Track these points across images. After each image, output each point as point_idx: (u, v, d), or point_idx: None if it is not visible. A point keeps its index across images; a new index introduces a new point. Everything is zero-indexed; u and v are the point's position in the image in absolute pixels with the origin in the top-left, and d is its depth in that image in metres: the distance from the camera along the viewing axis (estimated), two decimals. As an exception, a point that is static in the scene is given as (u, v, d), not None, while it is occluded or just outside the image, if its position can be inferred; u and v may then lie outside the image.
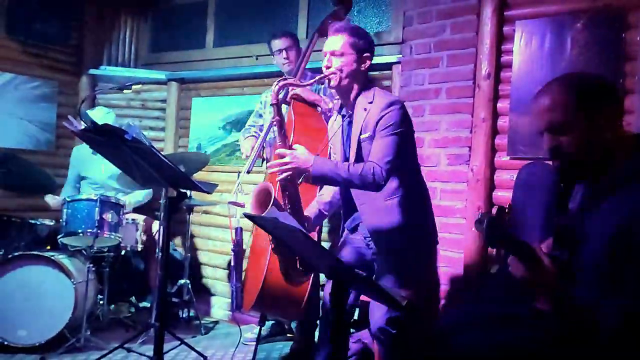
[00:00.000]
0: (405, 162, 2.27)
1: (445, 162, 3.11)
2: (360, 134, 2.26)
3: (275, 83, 2.28)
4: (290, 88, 2.95)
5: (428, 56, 3.20)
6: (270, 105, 2.39)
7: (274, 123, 2.31)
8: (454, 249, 3.05)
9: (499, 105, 2.99)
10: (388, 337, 2.28)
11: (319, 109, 3.11)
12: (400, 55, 3.35)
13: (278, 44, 3.40)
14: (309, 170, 2.14)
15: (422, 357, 1.69)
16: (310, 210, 2.50)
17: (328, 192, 2.53)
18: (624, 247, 1.38)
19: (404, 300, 1.41)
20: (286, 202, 2.31)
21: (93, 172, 3.89)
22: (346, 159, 2.36)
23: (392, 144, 2.17)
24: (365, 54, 2.28)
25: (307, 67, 3.22)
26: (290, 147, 2.24)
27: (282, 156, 2.17)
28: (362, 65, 2.29)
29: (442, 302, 3.08)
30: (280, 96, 2.37)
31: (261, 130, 3.41)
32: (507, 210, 1.36)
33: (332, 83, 2.28)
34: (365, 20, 3.78)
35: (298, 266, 2.28)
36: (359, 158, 2.27)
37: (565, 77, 1.56)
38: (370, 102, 2.25)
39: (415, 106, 3.22)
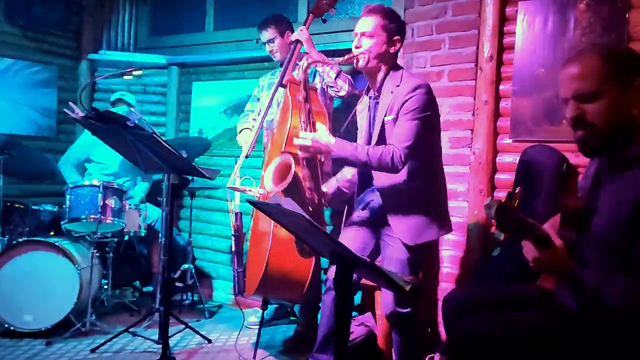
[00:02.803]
0: (426, 146, 2.28)
1: (448, 145, 3.09)
2: (385, 116, 2.27)
3: (304, 60, 2.30)
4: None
5: (430, 38, 3.17)
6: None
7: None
8: (456, 231, 3.05)
9: (501, 87, 2.97)
10: (401, 318, 2.31)
11: (326, 89, 3.11)
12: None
13: (262, 37, 3.37)
14: (329, 153, 2.20)
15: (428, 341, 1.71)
16: (328, 186, 2.52)
17: (349, 170, 2.55)
18: (637, 224, 1.36)
19: (408, 285, 1.42)
20: (305, 176, 2.34)
21: (106, 157, 3.85)
22: (370, 140, 2.38)
23: (413, 128, 2.19)
24: (395, 37, 2.30)
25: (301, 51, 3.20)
26: (313, 127, 2.28)
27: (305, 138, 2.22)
28: (392, 48, 2.31)
29: (444, 284, 3.10)
30: (308, 76, 2.38)
31: (259, 115, 3.40)
32: (517, 193, 1.34)
33: (361, 63, 2.30)
34: (366, 2, 3.74)
35: None
36: (382, 140, 2.28)
37: (597, 46, 1.55)
38: (398, 85, 2.27)
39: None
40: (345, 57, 2.29)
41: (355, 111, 2.59)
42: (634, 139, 1.45)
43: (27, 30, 4.39)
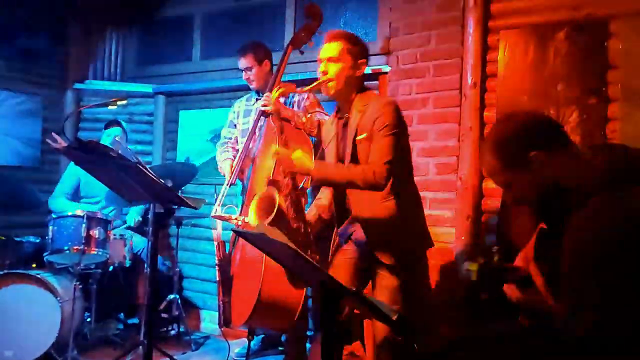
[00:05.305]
0: (401, 162, 2.29)
1: (434, 171, 3.11)
2: (356, 135, 2.27)
3: (275, 89, 2.32)
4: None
5: (414, 66, 3.22)
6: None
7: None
8: (444, 257, 3.05)
9: (485, 114, 3.01)
10: (395, 346, 2.26)
11: (292, 123, 3.06)
12: (387, 66, 3.36)
13: (239, 64, 3.33)
14: (311, 173, 2.19)
15: None
16: (309, 214, 2.51)
17: (325, 196, 2.53)
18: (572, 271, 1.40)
19: (395, 314, 1.40)
20: (289, 206, 2.34)
21: (93, 187, 3.81)
22: (340, 162, 2.37)
23: (390, 144, 2.19)
24: (360, 60, 2.33)
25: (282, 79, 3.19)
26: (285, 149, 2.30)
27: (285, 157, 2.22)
28: (358, 71, 2.33)
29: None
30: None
31: (237, 142, 3.37)
32: (495, 252, 1.38)
33: (332, 92, 2.32)
34: (352, 31, 3.75)
35: None
36: (355, 160, 2.27)
37: (489, 138, 1.60)
38: (366, 105, 2.28)
39: (403, 116, 3.22)
40: (314, 84, 2.31)
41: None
42: (561, 199, 1.51)
43: (12, 60, 4.37)
